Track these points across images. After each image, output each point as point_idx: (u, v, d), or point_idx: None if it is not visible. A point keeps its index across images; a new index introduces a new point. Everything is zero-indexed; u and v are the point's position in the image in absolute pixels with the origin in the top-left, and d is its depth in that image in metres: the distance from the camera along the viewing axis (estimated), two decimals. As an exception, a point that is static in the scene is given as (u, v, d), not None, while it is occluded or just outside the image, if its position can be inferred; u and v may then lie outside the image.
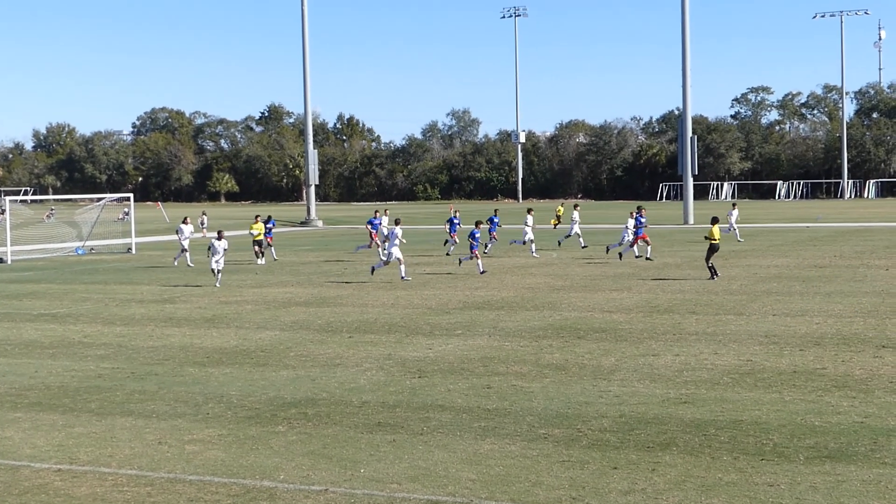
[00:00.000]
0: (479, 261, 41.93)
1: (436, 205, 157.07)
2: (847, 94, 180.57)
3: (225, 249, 39.57)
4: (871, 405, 17.02)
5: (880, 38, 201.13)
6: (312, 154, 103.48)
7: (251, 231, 50.70)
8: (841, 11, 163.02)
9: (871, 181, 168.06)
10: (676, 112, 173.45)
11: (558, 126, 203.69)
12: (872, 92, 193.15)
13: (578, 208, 57.48)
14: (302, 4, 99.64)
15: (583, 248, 53.94)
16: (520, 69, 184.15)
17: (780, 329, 25.42)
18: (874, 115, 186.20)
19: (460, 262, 43.90)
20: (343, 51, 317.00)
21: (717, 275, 37.50)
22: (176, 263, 49.42)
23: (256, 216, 52.19)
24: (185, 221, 51.15)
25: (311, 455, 14.81)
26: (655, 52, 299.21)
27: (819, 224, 77.00)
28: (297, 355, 23.34)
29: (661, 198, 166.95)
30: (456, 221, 55.16)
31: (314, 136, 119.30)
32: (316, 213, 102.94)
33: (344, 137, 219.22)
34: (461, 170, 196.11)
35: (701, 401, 17.63)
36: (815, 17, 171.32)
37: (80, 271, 48.15)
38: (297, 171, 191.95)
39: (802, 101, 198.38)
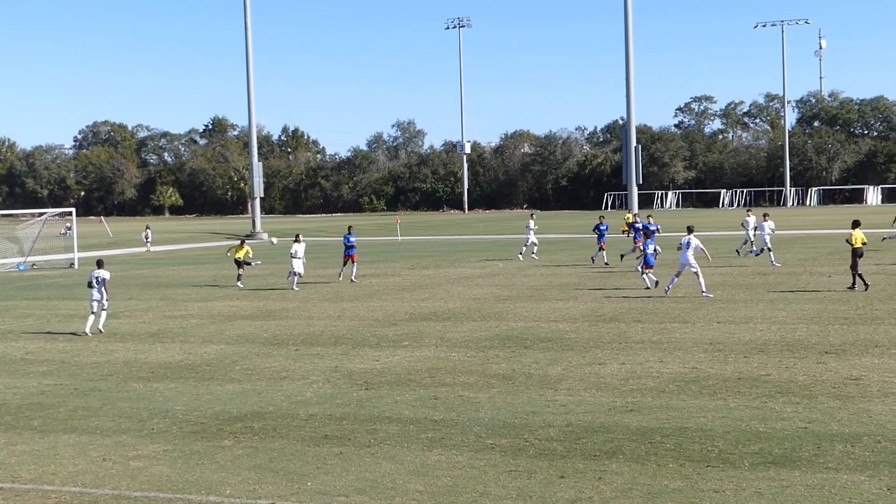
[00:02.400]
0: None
1: (382, 216, 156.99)
2: (789, 102, 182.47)
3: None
4: (814, 411, 17.17)
5: (821, 48, 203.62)
6: (257, 166, 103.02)
7: (232, 252, 44.80)
8: (782, 21, 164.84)
9: (813, 189, 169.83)
10: (621, 122, 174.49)
11: (503, 136, 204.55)
12: (814, 100, 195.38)
13: (763, 215, 54.30)
14: (245, 16, 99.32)
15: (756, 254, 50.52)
16: (464, 80, 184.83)
17: (725, 336, 25.60)
18: (815, 124, 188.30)
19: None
20: (287, 62, 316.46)
21: (866, 284, 34.91)
22: (296, 288, 41.72)
23: (242, 240, 47.03)
24: (297, 239, 42.87)
25: (258, 469, 14.73)
26: (599, 62, 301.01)
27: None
28: (242, 369, 23.22)
29: (606, 207, 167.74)
30: (638, 226, 50.56)
31: (259, 148, 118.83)
32: (261, 226, 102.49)
33: (289, 149, 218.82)
34: (407, 181, 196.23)
35: (647, 409, 17.71)
36: (756, 27, 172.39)
37: (21, 287, 47.65)
38: (242, 184, 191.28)
39: (745, 110, 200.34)
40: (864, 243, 35.64)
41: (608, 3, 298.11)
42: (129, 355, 25.72)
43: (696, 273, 34.63)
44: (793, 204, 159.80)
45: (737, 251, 52.54)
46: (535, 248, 56.01)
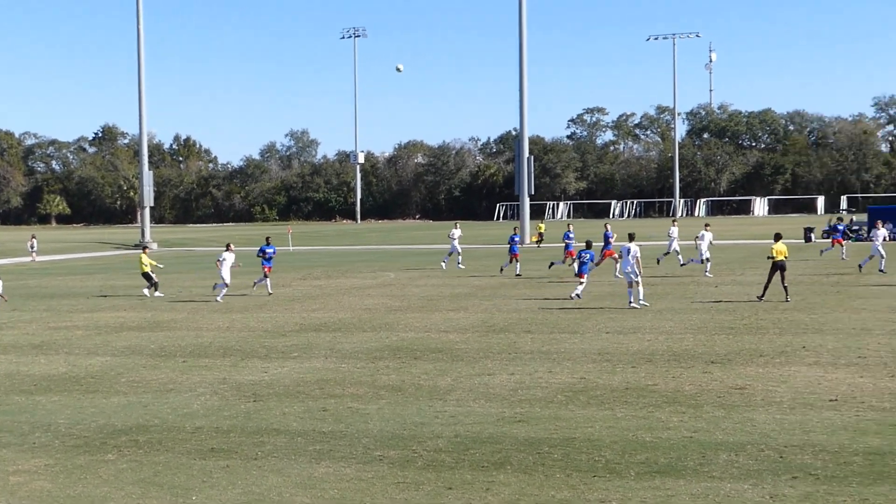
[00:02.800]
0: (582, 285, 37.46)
1: (273, 226, 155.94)
2: (679, 114, 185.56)
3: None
4: (699, 420, 17.36)
5: (711, 61, 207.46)
6: (147, 175, 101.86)
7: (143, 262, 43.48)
8: (673, 34, 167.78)
9: (702, 200, 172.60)
10: (514, 133, 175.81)
11: (397, 147, 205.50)
12: (703, 113, 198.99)
13: (677, 224, 55.05)
14: (138, 21, 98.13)
15: (682, 265, 51.57)
16: (359, 90, 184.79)
17: (613, 346, 25.81)
18: (705, 136, 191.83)
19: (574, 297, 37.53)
20: (180, 70, 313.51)
21: (787, 297, 35.10)
22: (219, 300, 40.41)
23: (145, 247, 47.56)
24: (228, 248, 41.74)
25: (142, 483, 14.47)
26: (493, 73, 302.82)
27: (652, 242, 78.60)
28: (128, 381, 22.83)
29: (498, 217, 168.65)
30: (572, 237, 50.55)
31: (149, 157, 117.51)
32: (151, 236, 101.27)
33: (180, 158, 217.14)
34: (299, 191, 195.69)
35: (535, 419, 17.76)
36: (648, 40, 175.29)
37: None
38: (132, 193, 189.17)
39: (636, 121, 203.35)
40: (785, 257, 35.81)
41: (503, 15, 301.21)
42: (11, 367, 25.15)
43: (637, 282, 34.47)
44: (682, 215, 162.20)
45: (689, 259, 52.26)
46: (460, 257, 56.10)
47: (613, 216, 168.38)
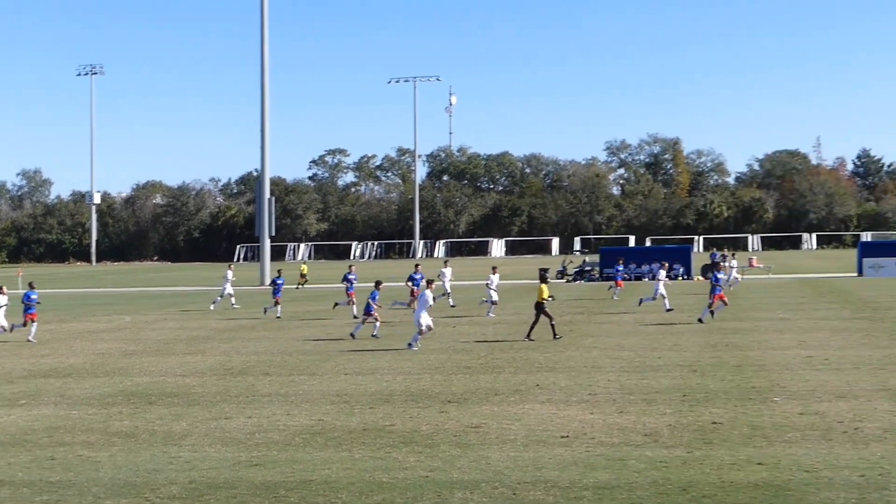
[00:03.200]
0: (378, 322, 37.40)
1: (2, 269, 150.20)
2: (419, 157, 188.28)
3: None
4: (436, 459, 17.52)
5: (451, 104, 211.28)
6: None
7: None
8: (414, 77, 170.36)
9: (441, 241, 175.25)
10: (255, 173, 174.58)
11: (135, 187, 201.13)
12: (443, 155, 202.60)
13: (449, 264, 56.33)
14: None
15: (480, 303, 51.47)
16: (95, 128, 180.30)
17: (352, 388, 25.82)
18: (445, 178, 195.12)
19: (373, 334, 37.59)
20: None
21: (529, 336, 35.51)
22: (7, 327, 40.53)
23: None
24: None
25: None
26: (234, 113, 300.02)
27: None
28: None
29: (238, 259, 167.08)
30: (352, 278, 49.44)
31: None
32: None
33: None
34: (31, 232, 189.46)
35: (272, 462, 17.59)
36: (389, 82, 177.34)
37: None
38: None
39: (377, 163, 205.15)
40: (544, 298, 35.92)
41: (244, 54, 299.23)
42: None
43: (428, 327, 33.95)
44: (422, 256, 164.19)
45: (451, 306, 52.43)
46: (233, 298, 55.63)
47: (354, 257, 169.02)
